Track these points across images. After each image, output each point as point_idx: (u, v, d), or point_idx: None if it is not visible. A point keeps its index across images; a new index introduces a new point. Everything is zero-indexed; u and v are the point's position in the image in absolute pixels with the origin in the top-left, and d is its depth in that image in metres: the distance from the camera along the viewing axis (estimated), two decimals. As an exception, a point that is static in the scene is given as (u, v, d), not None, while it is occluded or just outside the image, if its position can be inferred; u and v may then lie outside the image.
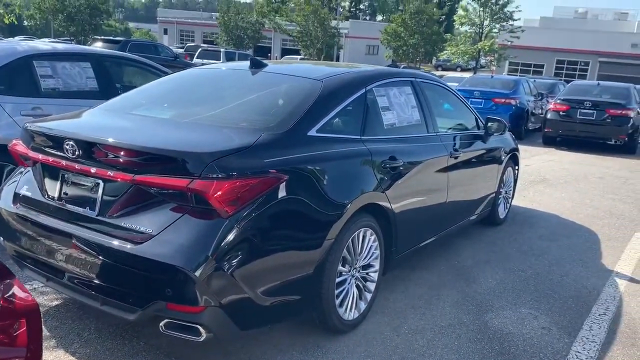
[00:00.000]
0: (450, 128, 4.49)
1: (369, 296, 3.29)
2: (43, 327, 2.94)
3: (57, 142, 2.68)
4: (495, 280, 4.13)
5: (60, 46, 5.06)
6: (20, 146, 2.94)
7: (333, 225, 2.78)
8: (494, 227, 5.46)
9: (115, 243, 2.44)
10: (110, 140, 2.53)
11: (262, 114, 3.05)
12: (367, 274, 3.26)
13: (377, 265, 3.31)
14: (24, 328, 1.73)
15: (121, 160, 2.49)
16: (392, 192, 3.30)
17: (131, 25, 78.51)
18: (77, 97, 4.65)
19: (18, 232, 2.83)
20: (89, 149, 2.57)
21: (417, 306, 3.59)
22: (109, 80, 5.12)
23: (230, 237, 2.36)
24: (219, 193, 2.33)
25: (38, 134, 2.80)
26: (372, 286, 3.31)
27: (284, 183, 2.56)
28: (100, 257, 2.48)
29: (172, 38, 58.71)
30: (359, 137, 3.22)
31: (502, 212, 5.55)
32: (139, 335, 2.94)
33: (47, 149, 2.76)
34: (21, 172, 3.01)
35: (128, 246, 2.40)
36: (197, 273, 2.28)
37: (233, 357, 2.82)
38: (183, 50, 34.43)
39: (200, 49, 27.85)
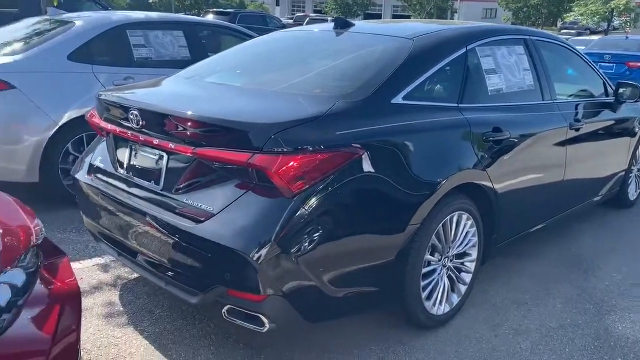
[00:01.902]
0: (571, 95, 3.86)
1: (463, 288, 2.87)
2: (117, 300, 2.91)
3: (124, 111, 2.54)
4: (620, 274, 3.50)
5: (154, 15, 5.03)
6: (95, 117, 2.86)
7: (419, 208, 2.39)
8: (621, 210, 4.70)
9: (177, 220, 2.25)
10: (169, 109, 2.33)
11: (339, 79, 2.69)
12: (461, 263, 2.85)
13: (474, 254, 2.88)
14: (55, 315, 1.58)
15: (181, 131, 2.28)
16: (495, 169, 2.83)
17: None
18: (169, 67, 4.58)
19: (91, 204, 2.77)
20: (152, 119, 2.39)
21: (522, 301, 3.11)
22: (202, 48, 5.02)
23: (296, 219, 2.07)
24: (283, 169, 2.05)
25: (107, 103, 2.69)
26: (467, 277, 2.89)
27: (361, 158, 2.21)
28: (163, 235, 2.32)
29: (284, 9, 59.46)
30: (456, 104, 2.77)
31: (632, 194, 4.78)
32: (211, 316, 2.79)
33: (116, 119, 2.64)
34: (97, 143, 2.94)
35: (189, 225, 2.20)
36: (258, 258, 2.02)
37: (304, 348, 2.57)
38: (292, 20, 34.66)
39: (307, 18, 27.84)
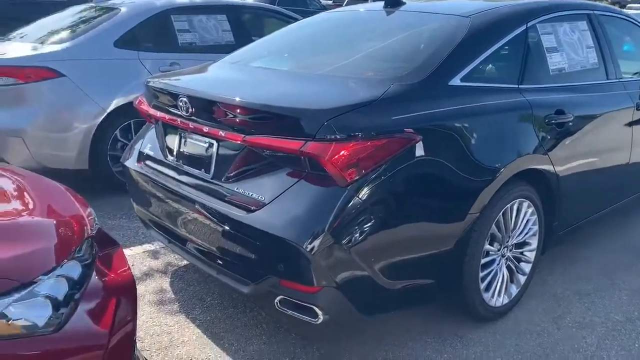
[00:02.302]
0: (637, 73, 3.60)
1: (522, 279, 2.74)
2: (169, 287, 2.90)
3: (173, 98, 2.50)
4: (691, 264, 3.29)
5: (197, -1, 4.98)
6: (144, 104, 2.84)
7: (478, 197, 2.27)
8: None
9: (228, 210, 2.20)
10: (219, 96, 2.28)
11: (392, 60, 2.57)
12: (521, 253, 2.71)
13: (534, 243, 2.73)
14: (112, 307, 1.55)
15: (231, 118, 2.22)
16: (557, 153, 2.67)
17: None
18: (214, 52, 4.54)
19: (141, 192, 2.76)
20: (201, 106, 2.34)
21: (585, 293, 2.95)
22: (246, 32, 4.96)
23: (351, 209, 1.99)
24: (336, 157, 1.96)
25: (156, 90, 2.66)
26: (527, 267, 2.75)
27: (417, 144, 2.10)
28: (213, 224, 2.28)
29: (323, -10, 58.85)
30: (516, 86, 2.61)
31: (701, 177, 4.46)
32: (262, 305, 2.75)
33: (165, 106, 2.61)
34: (146, 130, 2.92)
35: (240, 214, 2.15)
36: (311, 249, 1.96)
37: (358, 340, 2.51)
38: (331, 2, 34.22)
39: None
